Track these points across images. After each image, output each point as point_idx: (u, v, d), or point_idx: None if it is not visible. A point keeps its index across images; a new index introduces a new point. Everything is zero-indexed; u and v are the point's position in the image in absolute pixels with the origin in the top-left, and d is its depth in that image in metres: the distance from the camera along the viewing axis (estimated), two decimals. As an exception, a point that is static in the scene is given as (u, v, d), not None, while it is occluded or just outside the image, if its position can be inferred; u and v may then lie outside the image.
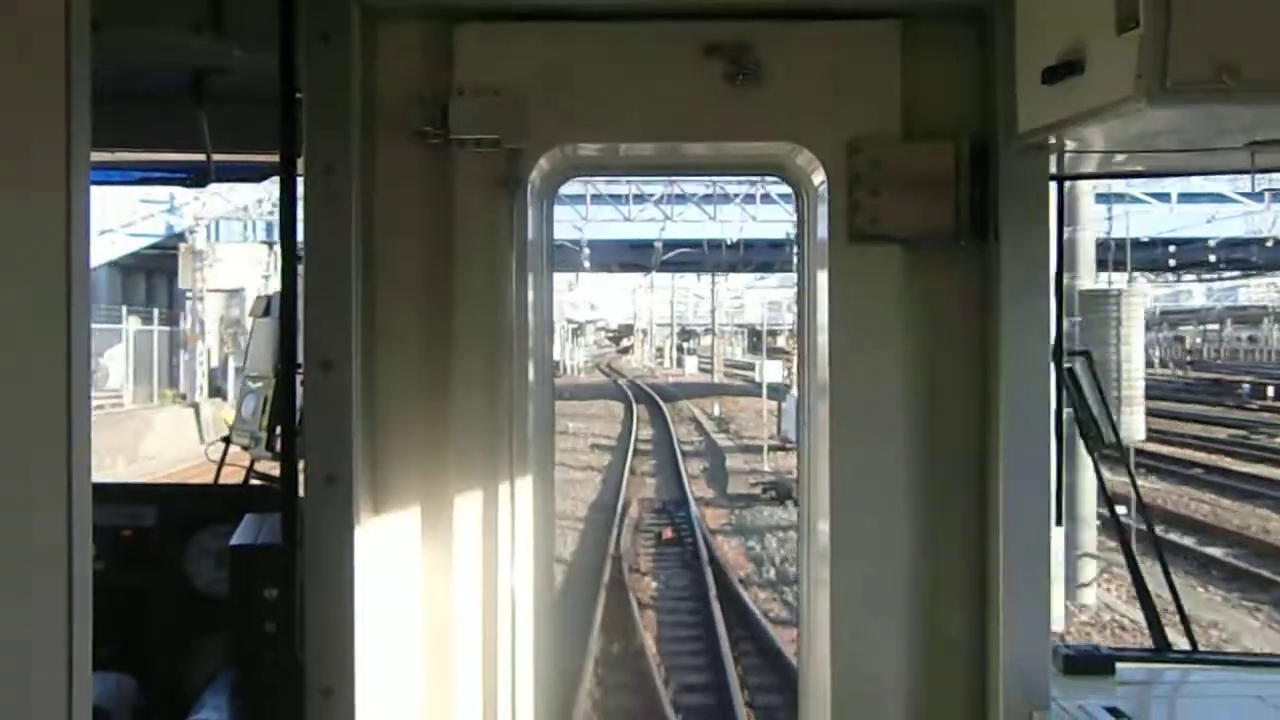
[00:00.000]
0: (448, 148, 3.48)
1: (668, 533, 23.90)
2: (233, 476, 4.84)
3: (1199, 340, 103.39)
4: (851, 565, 3.57)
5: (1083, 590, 17.92)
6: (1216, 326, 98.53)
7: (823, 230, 3.61)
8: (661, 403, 58.00)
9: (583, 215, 46.85)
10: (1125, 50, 2.62)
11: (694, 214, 48.97)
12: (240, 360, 40.62)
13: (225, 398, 41.67)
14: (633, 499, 27.79)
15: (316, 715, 3.31)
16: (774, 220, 45.70)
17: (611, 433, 44.60)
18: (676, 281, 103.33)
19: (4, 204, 2.01)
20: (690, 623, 17.37)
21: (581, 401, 56.92)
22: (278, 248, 3.41)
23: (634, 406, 55.44)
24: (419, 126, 3.47)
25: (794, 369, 31.31)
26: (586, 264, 53.23)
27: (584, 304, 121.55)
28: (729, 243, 53.56)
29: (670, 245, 56.41)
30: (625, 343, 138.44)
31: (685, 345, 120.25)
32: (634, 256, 59.99)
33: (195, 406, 39.96)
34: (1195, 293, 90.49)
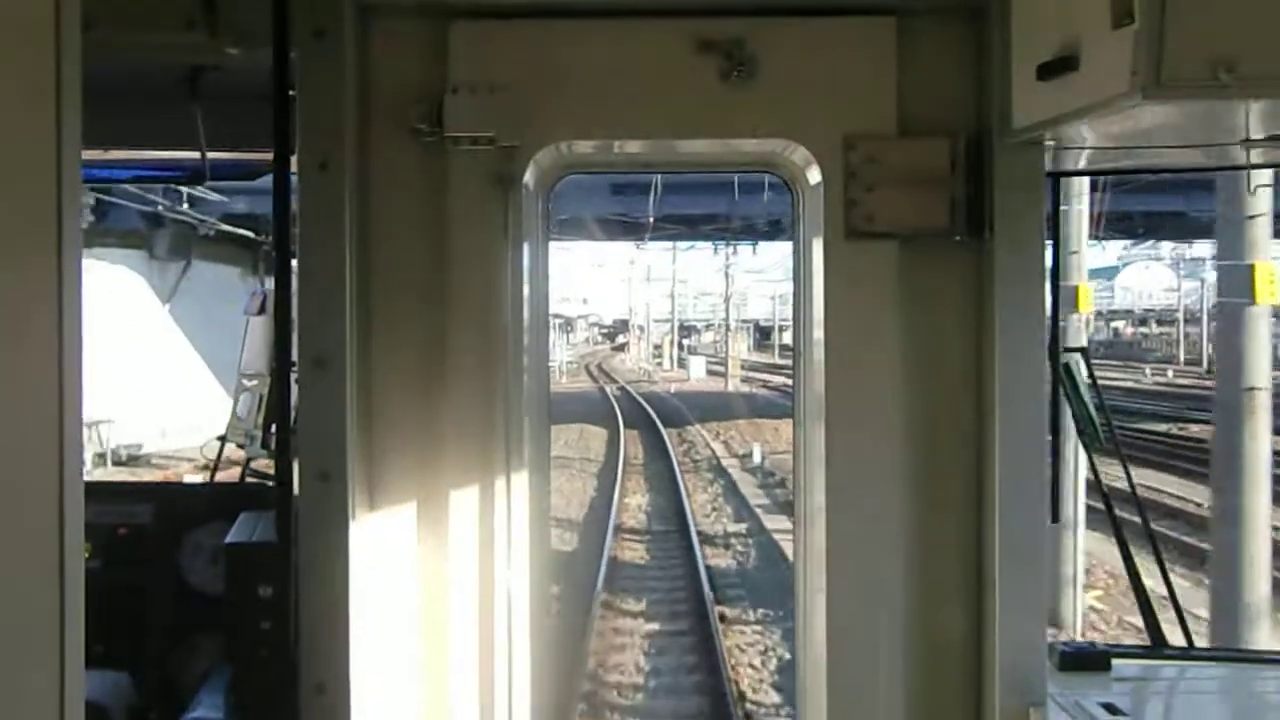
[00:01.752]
0: (442, 145, 3.48)
1: None
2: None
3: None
4: (847, 562, 3.56)
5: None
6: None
7: (818, 227, 3.61)
8: (663, 429, 40.50)
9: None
10: (1120, 46, 2.62)
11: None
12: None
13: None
14: None
15: (311, 712, 3.30)
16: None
17: (574, 507, 27.00)
18: (677, 268, 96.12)
19: None
20: None
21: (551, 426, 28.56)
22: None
23: (621, 437, 38.34)
24: (414, 124, 3.47)
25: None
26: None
27: (575, 298, 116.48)
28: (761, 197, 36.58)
29: (671, 194, 39.19)
30: (620, 340, 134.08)
31: (686, 343, 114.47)
32: (620, 207, 41.67)
33: None
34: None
